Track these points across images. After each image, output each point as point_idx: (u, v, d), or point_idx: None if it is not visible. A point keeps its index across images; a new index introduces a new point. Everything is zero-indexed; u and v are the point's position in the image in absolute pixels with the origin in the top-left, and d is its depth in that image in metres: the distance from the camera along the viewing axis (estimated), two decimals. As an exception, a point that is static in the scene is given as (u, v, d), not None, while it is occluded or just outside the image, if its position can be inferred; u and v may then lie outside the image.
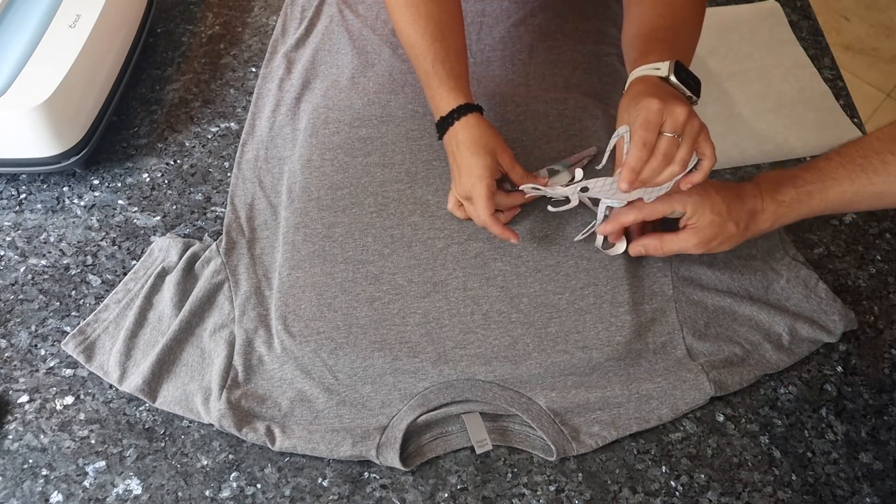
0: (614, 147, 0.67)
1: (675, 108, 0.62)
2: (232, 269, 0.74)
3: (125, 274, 0.74)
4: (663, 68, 0.68)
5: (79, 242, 0.78)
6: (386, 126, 0.84)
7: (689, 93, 0.68)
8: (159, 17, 0.98)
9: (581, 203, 0.73)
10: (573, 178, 0.76)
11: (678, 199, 0.67)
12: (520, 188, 0.73)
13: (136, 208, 0.80)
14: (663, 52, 0.70)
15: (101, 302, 0.73)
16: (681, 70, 0.68)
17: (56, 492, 0.63)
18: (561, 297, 0.72)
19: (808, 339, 0.70)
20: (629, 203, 0.68)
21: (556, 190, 0.70)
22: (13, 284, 0.75)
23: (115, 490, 0.63)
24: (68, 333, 0.71)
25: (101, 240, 0.78)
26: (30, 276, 0.75)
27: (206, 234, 0.78)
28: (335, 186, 0.78)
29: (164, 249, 0.75)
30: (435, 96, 0.74)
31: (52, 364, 0.70)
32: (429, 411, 0.65)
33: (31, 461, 0.65)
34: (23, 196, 0.81)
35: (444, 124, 0.74)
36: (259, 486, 0.64)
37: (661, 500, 0.63)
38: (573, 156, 0.80)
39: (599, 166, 0.69)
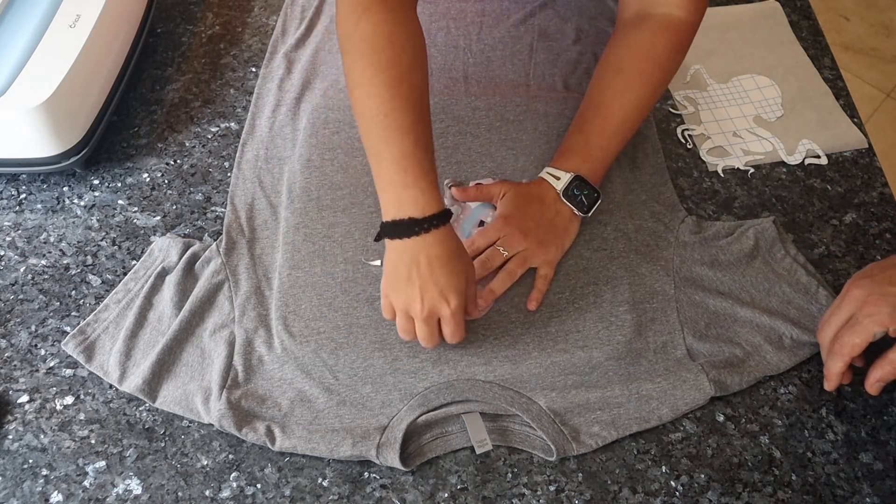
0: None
1: (548, 251, 0.71)
2: (232, 269, 0.74)
3: (125, 274, 0.74)
4: (562, 180, 0.72)
5: (79, 242, 0.78)
6: (386, 126, 0.83)
7: (577, 212, 0.73)
8: (159, 17, 0.98)
9: None
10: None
11: (868, 322, 0.63)
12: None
13: (136, 208, 0.80)
14: (584, 144, 0.74)
15: (101, 302, 0.73)
16: (579, 184, 0.73)
17: (56, 492, 0.63)
18: (561, 296, 0.72)
19: (808, 343, 0.70)
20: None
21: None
22: (13, 284, 0.75)
23: (115, 490, 0.63)
24: (68, 333, 0.71)
25: (101, 240, 0.78)
26: (30, 276, 0.75)
27: (206, 234, 0.78)
28: (335, 186, 0.78)
29: (164, 249, 0.75)
30: (410, 187, 0.61)
31: (52, 364, 0.70)
32: (429, 411, 0.65)
33: (31, 461, 0.65)
34: (23, 196, 0.81)
35: (413, 227, 0.61)
36: (259, 486, 0.64)
37: (661, 500, 0.63)
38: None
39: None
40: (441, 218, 0.62)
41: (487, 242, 0.73)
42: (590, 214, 0.74)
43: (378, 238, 0.64)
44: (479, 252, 0.73)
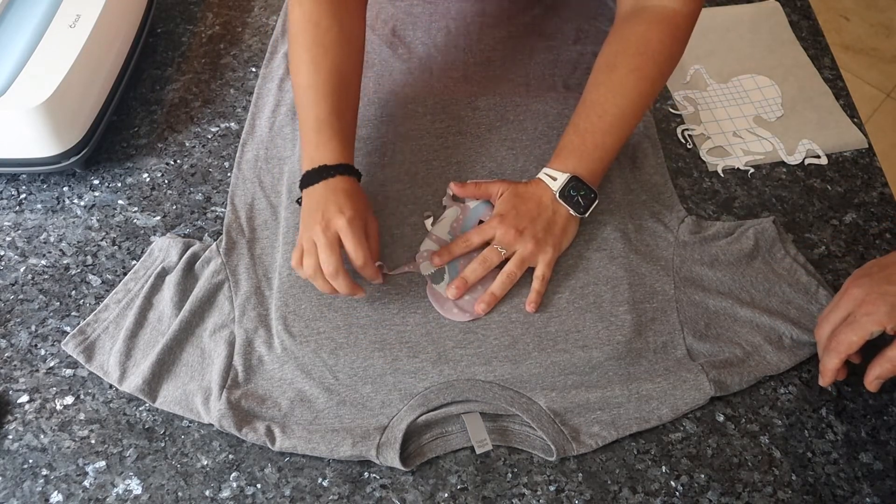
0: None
1: (545, 251, 0.72)
2: (232, 269, 0.74)
3: (125, 274, 0.74)
4: (559, 181, 0.73)
5: (79, 242, 0.78)
6: (386, 126, 0.84)
7: (573, 212, 0.73)
8: (159, 17, 0.98)
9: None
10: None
11: (866, 321, 0.63)
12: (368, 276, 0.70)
13: (136, 208, 0.80)
14: (581, 142, 0.74)
15: (101, 302, 0.73)
16: (576, 185, 0.73)
17: (56, 492, 0.63)
18: (561, 296, 0.72)
19: (808, 343, 0.70)
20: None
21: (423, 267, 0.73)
22: (13, 284, 0.75)
23: (115, 490, 0.63)
24: (68, 333, 0.71)
25: (101, 240, 0.78)
26: (30, 276, 0.75)
27: (206, 234, 0.78)
28: (335, 186, 0.78)
29: (164, 249, 0.75)
30: (322, 145, 0.69)
31: (52, 364, 0.70)
32: (429, 411, 0.65)
33: (31, 461, 0.65)
34: (23, 196, 0.81)
35: (322, 173, 0.68)
36: (259, 486, 0.64)
37: (661, 500, 0.63)
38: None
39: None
40: (349, 170, 0.70)
41: (482, 240, 0.73)
42: (587, 215, 0.74)
43: (301, 186, 0.70)
44: (473, 248, 0.73)
